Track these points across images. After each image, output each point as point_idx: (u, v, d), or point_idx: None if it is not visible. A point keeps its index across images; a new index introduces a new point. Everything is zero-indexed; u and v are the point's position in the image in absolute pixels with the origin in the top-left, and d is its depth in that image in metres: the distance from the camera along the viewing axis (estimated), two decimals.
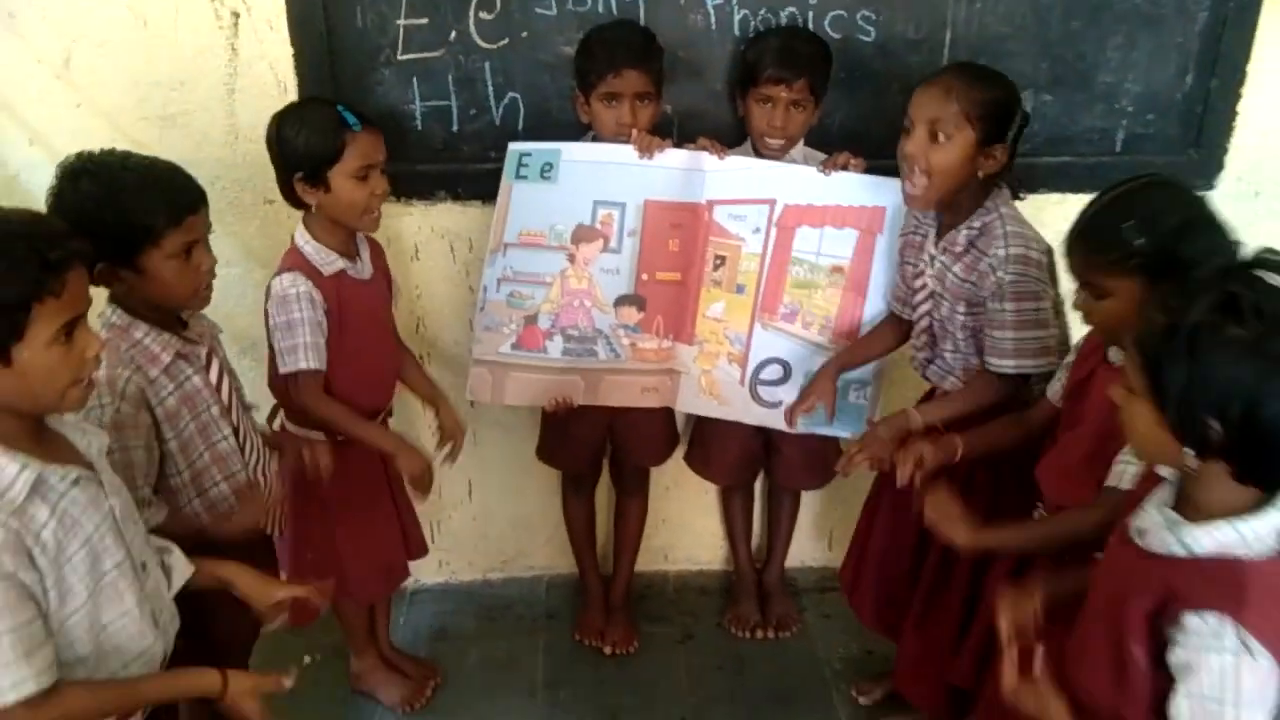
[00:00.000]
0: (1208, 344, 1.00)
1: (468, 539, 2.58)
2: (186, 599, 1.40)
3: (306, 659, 2.30)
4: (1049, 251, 1.71)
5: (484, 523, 2.58)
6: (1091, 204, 1.46)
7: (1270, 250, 1.08)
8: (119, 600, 1.23)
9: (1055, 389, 1.61)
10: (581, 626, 2.43)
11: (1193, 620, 1.04)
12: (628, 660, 2.35)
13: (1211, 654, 1.03)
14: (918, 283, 1.84)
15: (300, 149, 1.76)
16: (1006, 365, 1.68)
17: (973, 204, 1.72)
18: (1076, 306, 1.46)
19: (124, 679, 1.24)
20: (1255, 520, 1.05)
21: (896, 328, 1.96)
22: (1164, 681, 1.08)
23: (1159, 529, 1.10)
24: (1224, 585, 1.03)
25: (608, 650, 2.36)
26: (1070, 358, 1.58)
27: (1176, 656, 1.06)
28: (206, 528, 1.54)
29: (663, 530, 2.61)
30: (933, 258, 1.79)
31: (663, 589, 2.60)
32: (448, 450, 2.01)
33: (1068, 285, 1.58)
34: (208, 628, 1.48)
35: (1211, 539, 1.06)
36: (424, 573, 2.58)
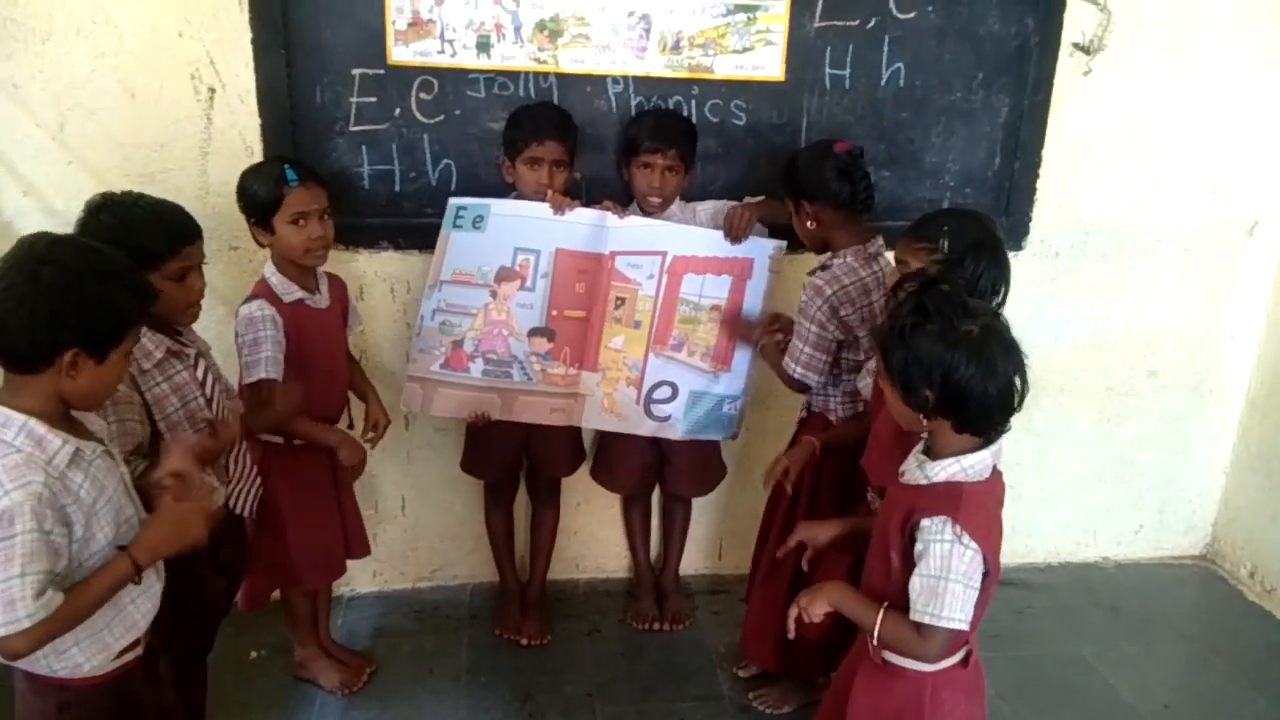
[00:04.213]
0: (911, 335, 1.43)
1: (400, 550, 2.86)
2: (171, 572, 1.63)
3: (254, 654, 2.55)
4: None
5: (415, 536, 2.86)
6: (929, 212, 1.97)
7: (950, 275, 1.56)
8: None
9: (864, 384, 2.03)
10: (500, 622, 2.70)
11: (925, 522, 1.45)
12: (541, 650, 2.63)
13: (935, 543, 1.43)
14: None
15: (253, 199, 2.12)
16: (790, 366, 2.16)
17: (831, 248, 2.20)
18: (884, 283, 1.92)
19: (72, 588, 1.39)
20: (973, 456, 1.48)
21: None
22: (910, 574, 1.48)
23: (912, 468, 1.53)
24: (948, 499, 1.45)
25: (524, 642, 2.64)
26: (871, 362, 2.01)
27: (916, 550, 1.46)
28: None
29: (574, 542, 2.93)
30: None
31: (573, 593, 2.90)
32: (374, 434, 2.33)
33: None
34: (188, 591, 1.77)
35: (944, 470, 1.48)
36: (359, 582, 2.85)
